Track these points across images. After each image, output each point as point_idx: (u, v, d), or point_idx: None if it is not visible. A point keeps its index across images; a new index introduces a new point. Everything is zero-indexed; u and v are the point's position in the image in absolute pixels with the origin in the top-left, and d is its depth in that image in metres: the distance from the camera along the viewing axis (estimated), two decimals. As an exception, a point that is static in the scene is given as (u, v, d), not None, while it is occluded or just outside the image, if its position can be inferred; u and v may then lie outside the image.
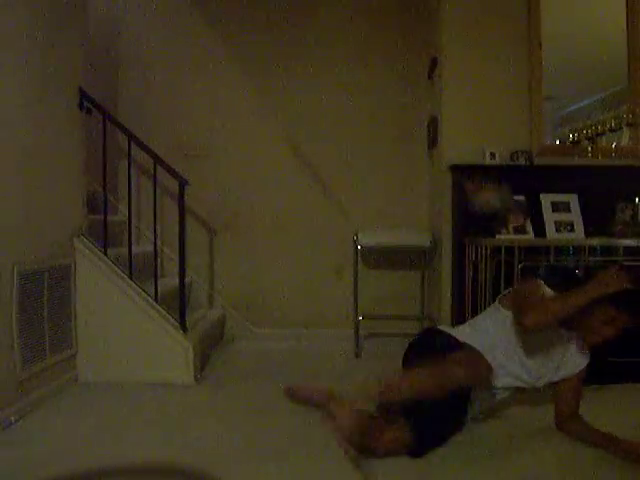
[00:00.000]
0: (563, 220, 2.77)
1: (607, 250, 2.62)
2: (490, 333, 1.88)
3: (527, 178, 2.93)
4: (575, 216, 2.77)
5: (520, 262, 2.57)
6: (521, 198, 2.80)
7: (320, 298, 3.59)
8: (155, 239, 2.80)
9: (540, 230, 2.75)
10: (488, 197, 2.20)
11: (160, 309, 2.64)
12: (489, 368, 1.74)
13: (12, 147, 2.12)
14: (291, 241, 3.60)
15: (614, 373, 2.53)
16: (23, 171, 2.20)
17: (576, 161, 2.98)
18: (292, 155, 3.60)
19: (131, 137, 2.71)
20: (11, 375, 2.08)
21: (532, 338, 1.83)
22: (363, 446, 1.64)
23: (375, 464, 1.68)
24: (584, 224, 2.75)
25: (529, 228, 2.74)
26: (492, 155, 2.94)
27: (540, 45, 3.01)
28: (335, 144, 3.59)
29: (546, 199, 2.81)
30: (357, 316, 3.29)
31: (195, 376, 2.61)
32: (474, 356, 1.75)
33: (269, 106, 3.59)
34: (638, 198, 2.74)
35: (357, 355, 3.19)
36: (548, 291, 1.83)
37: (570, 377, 1.90)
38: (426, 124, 3.51)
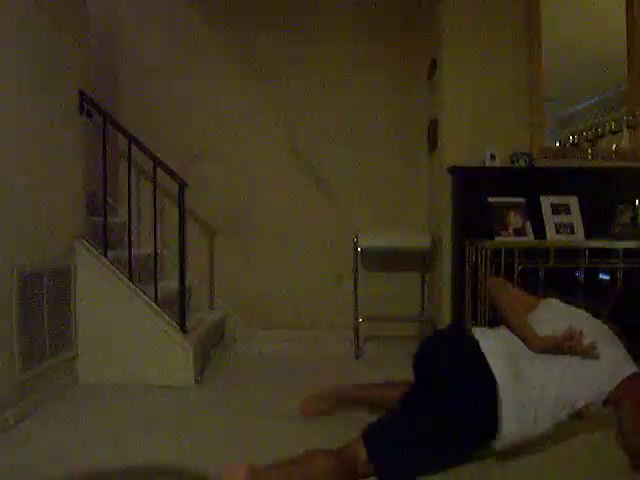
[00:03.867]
0: (563, 222, 2.77)
1: (607, 252, 2.62)
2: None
3: (527, 180, 2.93)
4: (575, 218, 2.78)
5: (520, 264, 2.57)
6: (521, 200, 2.80)
7: (320, 300, 3.59)
8: (155, 241, 2.81)
9: (540, 232, 2.76)
10: None
11: (160, 311, 2.64)
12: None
13: (12, 150, 2.12)
14: (291, 243, 3.60)
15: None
16: (23, 173, 2.20)
17: (576, 163, 2.98)
18: (292, 157, 3.61)
19: (131, 139, 2.71)
20: (11, 377, 2.08)
21: None
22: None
23: None
24: (584, 226, 2.75)
25: (529, 230, 2.74)
26: (492, 157, 2.95)
27: (540, 46, 3.01)
28: (335, 146, 3.59)
29: (546, 201, 2.82)
30: (357, 318, 3.29)
31: (195, 378, 2.61)
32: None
33: (269, 108, 3.59)
34: (638, 200, 2.74)
35: (357, 357, 3.19)
36: None
37: None
38: (426, 126, 3.52)
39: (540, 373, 1.58)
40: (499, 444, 1.59)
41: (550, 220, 2.78)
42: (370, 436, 1.53)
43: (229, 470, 1.46)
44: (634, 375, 1.62)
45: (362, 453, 1.51)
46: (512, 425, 1.55)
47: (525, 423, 1.56)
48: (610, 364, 1.62)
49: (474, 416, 1.54)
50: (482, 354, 1.60)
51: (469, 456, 1.65)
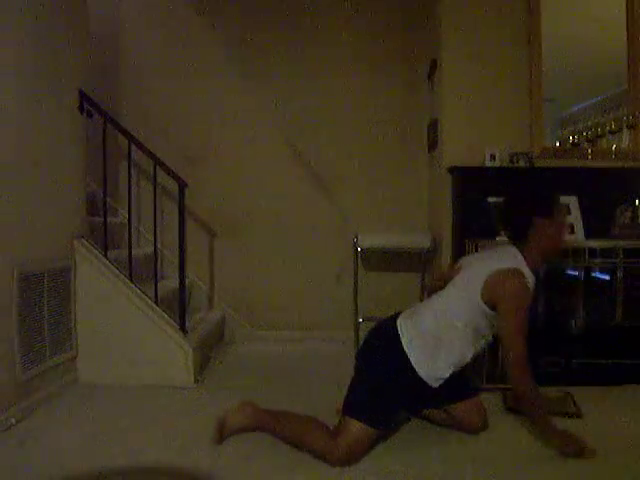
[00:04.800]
0: (563, 222, 2.77)
1: (607, 252, 2.62)
2: (459, 329, 1.84)
3: (527, 180, 2.93)
4: (575, 218, 2.77)
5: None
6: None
7: (320, 300, 3.59)
8: (155, 241, 2.81)
9: (540, 232, 2.75)
10: None
11: (160, 311, 2.64)
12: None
13: (12, 149, 2.13)
14: (291, 243, 3.60)
15: (615, 374, 2.55)
16: (23, 173, 2.20)
17: (576, 163, 2.98)
18: (292, 157, 3.61)
19: (131, 139, 2.72)
20: (11, 377, 2.08)
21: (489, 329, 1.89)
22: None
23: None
24: (584, 226, 2.75)
25: (529, 230, 2.74)
26: (492, 157, 2.94)
27: (540, 47, 3.01)
28: (335, 146, 3.59)
29: (546, 201, 2.81)
30: (357, 318, 3.29)
31: (195, 378, 2.61)
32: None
33: (269, 108, 3.59)
34: (638, 200, 2.74)
35: (357, 357, 3.19)
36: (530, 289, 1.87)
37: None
38: (426, 126, 3.52)
39: (427, 309, 1.93)
40: (423, 373, 1.81)
41: (550, 220, 2.77)
42: (350, 410, 1.79)
43: (239, 405, 1.92)
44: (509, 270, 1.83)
45: (354, 424, 1.73)
46: (416, 355, 1.81)
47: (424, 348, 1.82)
48: (490, 269, 1.86)
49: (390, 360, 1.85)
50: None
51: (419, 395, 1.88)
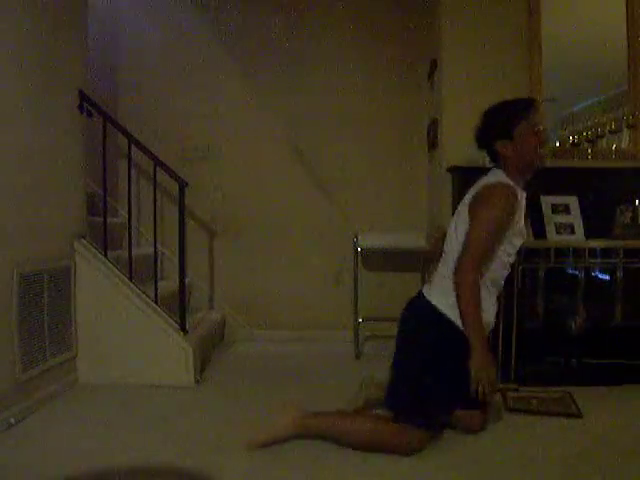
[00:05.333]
0: (563, 222, 2.77)
1: (607, 252, 2.62)
2: None
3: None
4: (575, 218, 2.77)
5: (520, 264, 2.57)
6: (521, 200, 2.80)
7: (320, 300, 3.59)
8: (155, 241, 2.81)
9: (540, 232, 2.75)
10: None
11: (160, 311, 2.64)
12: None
13: (12, 149, 2.12)
14: (291, 243, 3.60)
15: (615, 374, 2.55)
16: (23, 173, 2.20)
17: (576, 163, 2.98)
18: (293, 158, 3.61)
19: (131, 139, 2.72)
20: (11, 377, 2.08)
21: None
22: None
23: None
24: (584, 226, 2.75)
25: (529, 230, 2.74)
26: (492, 157, 2.94)
27: (540, 47, 3.00)
28: (335, 146, 3.59)
29: (546, 201, 2.81)
30: (357, 318, 3.29)
31: (195, 378, 2.61)
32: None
33: (269, 109, 3.59)
34: (638, 200, 2.74)
35: (357, 356, 3.19)
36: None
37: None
38: (426, 126, 3.52)
39: (443, 265, 1.93)
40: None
41: (550, 220, 2.77)
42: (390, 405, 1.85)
43: (281, 409, 1.86)
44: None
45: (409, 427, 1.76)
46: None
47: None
48: None
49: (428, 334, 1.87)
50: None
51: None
